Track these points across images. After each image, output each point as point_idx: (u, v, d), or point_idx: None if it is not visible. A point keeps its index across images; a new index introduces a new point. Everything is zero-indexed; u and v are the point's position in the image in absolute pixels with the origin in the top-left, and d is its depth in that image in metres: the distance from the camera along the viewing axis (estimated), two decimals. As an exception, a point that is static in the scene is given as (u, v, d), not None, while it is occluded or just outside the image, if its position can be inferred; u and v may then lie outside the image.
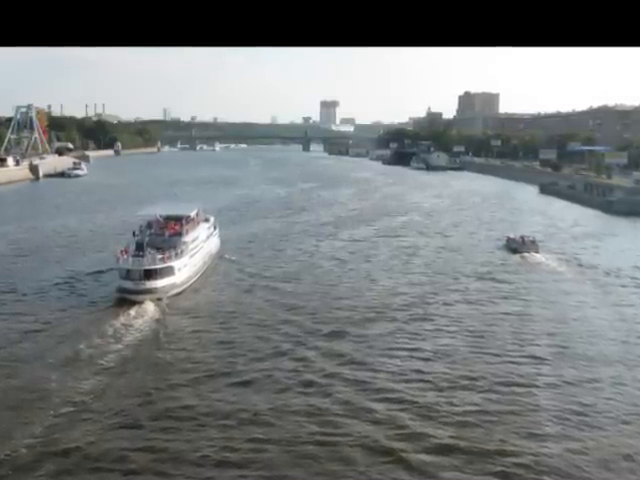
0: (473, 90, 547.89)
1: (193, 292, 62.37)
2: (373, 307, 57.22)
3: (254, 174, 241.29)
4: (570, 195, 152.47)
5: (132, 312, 53.85)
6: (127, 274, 58.05)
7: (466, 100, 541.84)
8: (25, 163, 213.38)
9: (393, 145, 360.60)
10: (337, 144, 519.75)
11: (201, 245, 69.43)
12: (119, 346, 46.23)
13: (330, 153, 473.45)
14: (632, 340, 49.48)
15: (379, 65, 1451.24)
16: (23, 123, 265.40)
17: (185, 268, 62.28)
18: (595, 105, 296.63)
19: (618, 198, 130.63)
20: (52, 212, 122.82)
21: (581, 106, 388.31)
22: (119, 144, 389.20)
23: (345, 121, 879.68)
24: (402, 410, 36.28)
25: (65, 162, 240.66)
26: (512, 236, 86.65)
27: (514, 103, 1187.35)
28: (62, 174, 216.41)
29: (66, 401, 36.66)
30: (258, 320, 53.04)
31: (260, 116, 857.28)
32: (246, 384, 39.90)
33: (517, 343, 48.17)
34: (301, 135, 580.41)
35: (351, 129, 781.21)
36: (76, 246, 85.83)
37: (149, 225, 67.61)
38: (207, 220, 78.75)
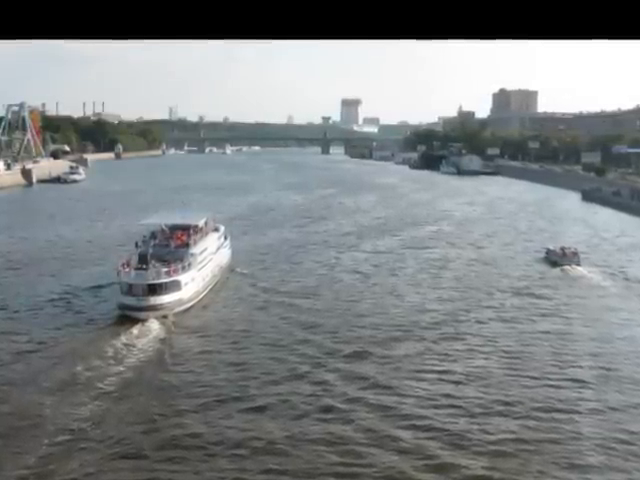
0: (509, 87, 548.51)
1: (202, 309, 62.49)
2: (399, 325, 57.19)
3: (268, 179, 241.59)
4: (615, 202, 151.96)
5: (135, 331, 53.87)
6: (129, 289, 58.10)
7: (501, 98, 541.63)
8: (17, 167, 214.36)
9: (421, 147, 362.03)
10: (359, 146, 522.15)
11: (210, 257, 69.47)
12: (120, 368, 46.34)
13: (352, 156, 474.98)
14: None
15: (406, 61, 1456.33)
16: (15, 123, 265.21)
17: (193, 282, 62.29)
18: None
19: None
20: (46, 221, 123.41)
21: (628, 104, 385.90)
22: (120, 146, 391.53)
23: (368, 121, 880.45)
24: (431, 438, 36.22)
25: (61, 166, 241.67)
26: (552, 247, 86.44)
27: (554, 101, 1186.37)
28: (57, 179, 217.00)
29: (62, 428, 36.74)
30: (273, 340, 53.07)
31: (275, 116, 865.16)
32: (260, 410, 39.87)
33: (557, 365, 48.03)
34: (320, 136, 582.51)
35: (375, 130, 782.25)
36: (73, 258, 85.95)
37: (153, 235, 67.83)
38: (217, 230, 78.72)
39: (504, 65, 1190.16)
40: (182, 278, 59.95)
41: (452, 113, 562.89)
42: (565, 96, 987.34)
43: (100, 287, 67.91)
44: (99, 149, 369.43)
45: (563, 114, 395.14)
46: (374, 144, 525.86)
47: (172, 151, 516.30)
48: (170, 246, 65.26)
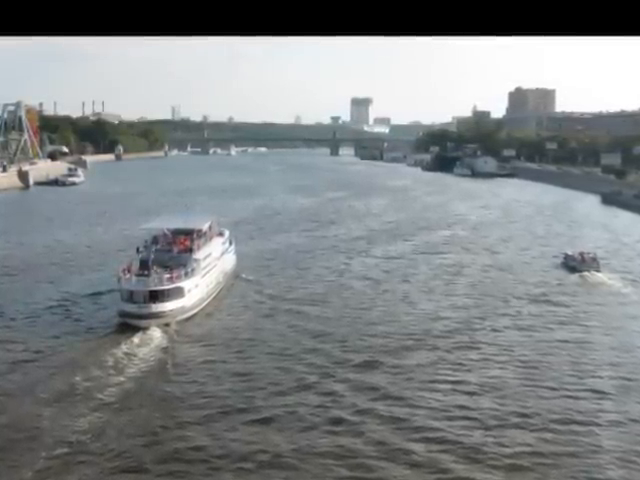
0: (525, 86, 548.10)
1: (205, 317, 62.47)
2: (411, 334, 57.06)
3: (275, 182, 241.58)
4: (636, 206, 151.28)
5: (136, 339, 53.84)
6: (130, 296, 58.07)
7: (517, 97, 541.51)
8: (13, 169, 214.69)
9: (434, 149, 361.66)
10: (370, 147, 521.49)
11: (214, 263, 69.35)
12: (121, 378, 46.29)
13: (362, 158, 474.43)
14: None
15: (418, 59, 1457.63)
16: (11, 123, 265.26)
17: (196, 289, 62.22)
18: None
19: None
20: (44, 225, 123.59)
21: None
22: (120, 147, 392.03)
23: (379, 121, 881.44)
24: (444, 451, 36.13)
25: (59, 168, 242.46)
26: (570, 253, 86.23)
27: (572, 100, 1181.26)
28: (55, 182, 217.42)
29: (60, 441, 36.65)
30: (280, 349, 53.03)
31: (282, 115, 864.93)
32: (266, 422, 39.81)
33: (576, 375, 47.94)
34: (329, 137, 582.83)
35: (386, 130, 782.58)
36: (71, 264, 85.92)
37: (155, 240, 67.52)
38: (221, 234, 78.63)
39: (520, 63, 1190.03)
40: (185, 284, 59.91)
41: (466, 113, 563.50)
42: (584, 95, 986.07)
43: (100, 294, 67.84)
44: (99, 150, 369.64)
45: (582, 114, 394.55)
46: (385, 145, 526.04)
47: (175, 152, 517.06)
48: (172, 251, 65.18)
